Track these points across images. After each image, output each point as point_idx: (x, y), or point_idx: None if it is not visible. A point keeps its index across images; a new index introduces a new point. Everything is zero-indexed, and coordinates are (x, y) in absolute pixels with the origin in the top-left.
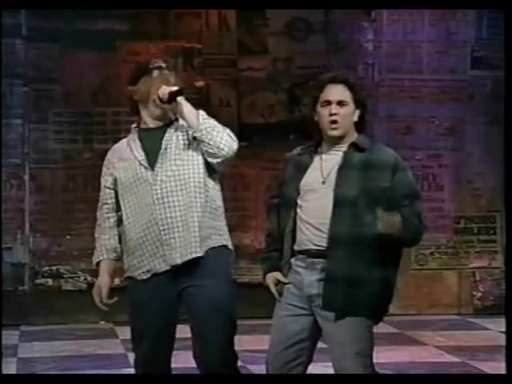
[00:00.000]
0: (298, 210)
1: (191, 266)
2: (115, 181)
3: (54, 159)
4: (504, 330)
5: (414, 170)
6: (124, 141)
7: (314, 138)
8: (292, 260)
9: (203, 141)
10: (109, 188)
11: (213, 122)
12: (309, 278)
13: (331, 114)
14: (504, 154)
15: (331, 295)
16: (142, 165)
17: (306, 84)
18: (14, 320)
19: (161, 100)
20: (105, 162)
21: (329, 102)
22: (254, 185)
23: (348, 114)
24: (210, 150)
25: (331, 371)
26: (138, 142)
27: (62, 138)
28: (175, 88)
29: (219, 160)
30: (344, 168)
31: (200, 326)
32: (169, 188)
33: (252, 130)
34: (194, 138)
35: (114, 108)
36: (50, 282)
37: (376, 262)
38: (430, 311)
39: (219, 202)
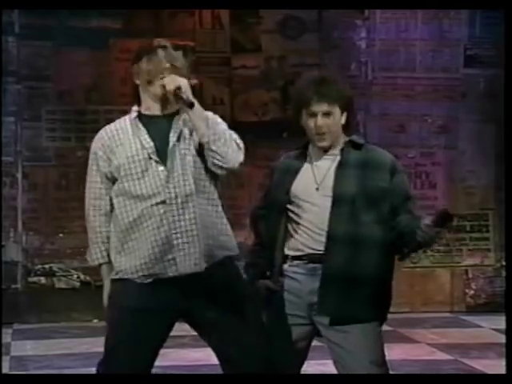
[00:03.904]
0: (292, 214)
1: (203, 278)
2: (115, 168)
3: (46, 157)
4: (496, 327)
5: (407, 168)
6: (122, 123)
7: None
8: (285, 266)
9: (209, 149)
10: (106, 176)
11: (221, 128)
12: (310, 285)
13: (317, 126)
14: (504, 153)
15: (332, 300)
16: (151, 158)
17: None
18: (6, 318)
19: (167, 91)
20: (98, 145)
21: (314, 114)
22: (248, 183)
23: (335, 123)
24: (215, 161)
25: (325, 370)
26: (142, 128)
27: (54, 135)
28: (183, 82)
29: (223, 172)
30: (342, 166)
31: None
32: (182, 188)
33: (245, 128)
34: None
35: (106, 106)
36: (42, 280)
37: (378, 261)
38: (423, 309)
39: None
